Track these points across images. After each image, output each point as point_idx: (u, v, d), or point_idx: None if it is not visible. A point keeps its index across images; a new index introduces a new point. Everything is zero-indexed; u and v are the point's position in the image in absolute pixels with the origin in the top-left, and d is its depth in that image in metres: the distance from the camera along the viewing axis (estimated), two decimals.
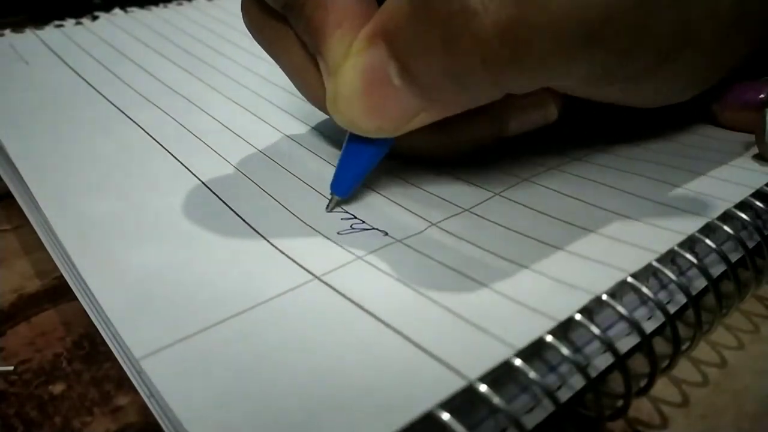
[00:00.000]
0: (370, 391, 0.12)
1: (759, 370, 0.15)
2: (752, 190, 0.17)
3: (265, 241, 0.16)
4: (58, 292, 0.18)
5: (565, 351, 0.12)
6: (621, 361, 0.13)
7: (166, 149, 0.21)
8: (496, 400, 0.11)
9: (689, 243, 0.15)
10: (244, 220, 0.17)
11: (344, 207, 0.18)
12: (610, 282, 0.14)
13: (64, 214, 0.17)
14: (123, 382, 0.15)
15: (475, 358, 0.12)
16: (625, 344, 0.14)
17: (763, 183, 0.18)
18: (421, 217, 0.17)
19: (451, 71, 0.15)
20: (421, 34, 0.14)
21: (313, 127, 0.23)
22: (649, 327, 0.15)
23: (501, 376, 0.12)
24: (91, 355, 0.16)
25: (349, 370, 0.12)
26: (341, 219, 0.17)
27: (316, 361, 0.12)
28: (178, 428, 0.11)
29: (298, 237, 0.16)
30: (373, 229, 0.17)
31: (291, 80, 0.20)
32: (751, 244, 0.16)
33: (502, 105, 0.18)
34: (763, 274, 0.16)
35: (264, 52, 0.20)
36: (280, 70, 0.20)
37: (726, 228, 0.16)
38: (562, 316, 0.13)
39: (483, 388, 0.11)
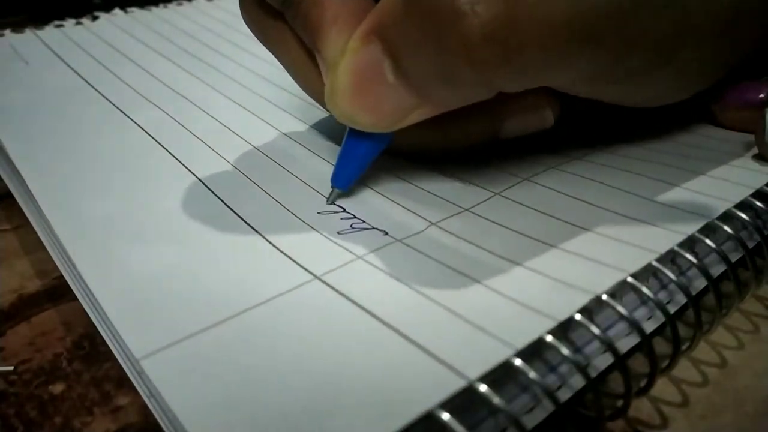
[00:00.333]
0: (370, 391, 0.12)
1: (759, 370, 0.15)
2: (752, 190, 0.17)
3: (265, 241, 0.16)
4: (58, 292, 0.18)
5: (565, 351, 0.12)
6: (621, 361, 0.13)
7: (166, 149, 0.21)
8: (496, 400, 0.11)
9: (689, 243, 0.15)
10: (243, 220, 0.17)
11: (344, 206, 0.18)
12: (610, 282, 0.14)
13: (64, 214, 0.17)
14: (123, 382, 0.15)
15: (475, 358, 0.12)
16: (625, 344, 0.14)
17: (763, 183, 0.18)
18: (421, 216, 0.17)
19: (441, 70, 0.15)
20: (413, 33, 0.15)
21: (312, 127, 0.23)
22: (649, 327, 0.15)
23: (501, 376, 0.12)
24: (91, 355, 0.16)
25: (349, 370, 0.12)
26: (341, 219, 0.17)
27: (316, 360, 0.12)
28: (178, 428, 0.11)
29: (298, 237, 0.16)
30: (373, 228, 0.17)
31: (291, 75, 0.20)
32: (751, 244, 0.16)
33: (498, 107, 0.18)
34: (763, 274, 0.16)
35: (264, 51, 0.20)
36: (280, 70, 0.20)
37: (726, 228, 0.16)
38: (562, 316, 0.13)
39: (483, 388, 0.11)
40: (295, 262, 0.15)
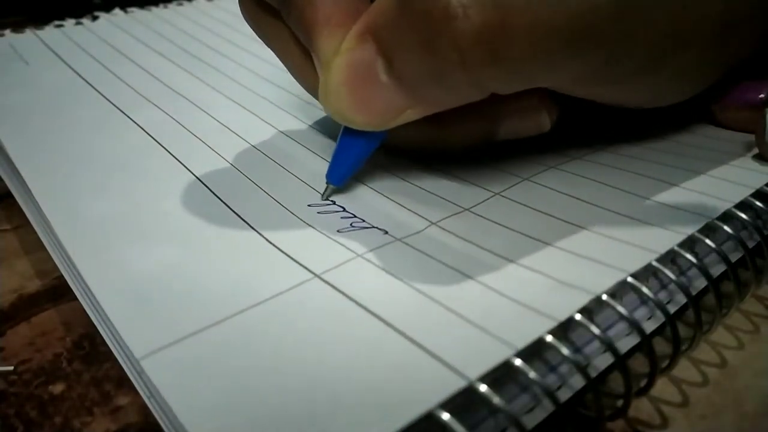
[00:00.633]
0: (370, 390, 0.12)
1: (759, 370, 0.15)
2: (752, 190, 0.17)
3: (265, 240, 0.16)
4: (58, 292, 0.18)
5: (565, 351, 0.12)
6: (621, 361, 0.13)
7: (166, 149, 0.21)
8: (496, 400, 0.11)
9: (689, 243, 0.15)
10: (243, 219, 0.17)
11: (344, 205, 0.18)
12: (610, 282, 0.14)
13: (64, 214, 0.17)
14: (123, 382, 0.15)
15: (475, 358, 0.12)
16: (625, 344, 0.14)
17: (763, 183, 0.18)
18: (421, 216, 0.17)
19: (432, 71, 0.15)
20: (406, 34, 0.15)
21: (312, 127, 0.23)
22: (649, 327, 0.15)
23: (501, 376, 0.12)
24: (91, 355, 0.16)
25: (349, 369, 0.12)
26: (341, 217, 0.17)
27: (316, 359, 0.12)
28: (178, 428, 0.11)
29: (298, 235, 0.16)
30: (373, 227, 0.17)
31: (289, 72, 0.20)
32: (751, 244, 0.16)
33: (494, 109, 0.18)
34: (763, 274, 0.16)
35: (264, 51, 0.20)
36: (281, 70, 0.20)
37: (726, 228, 0.16)
38: (562, 316, 0.13)
39: (483, 388, 0.11)
40: (295, 260, 0.15)
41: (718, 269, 0.16)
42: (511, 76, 0.15)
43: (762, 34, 0.19)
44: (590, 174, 0.19)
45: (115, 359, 0.14)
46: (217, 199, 0.18)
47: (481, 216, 0.17)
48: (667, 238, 0.15)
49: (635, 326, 0.13)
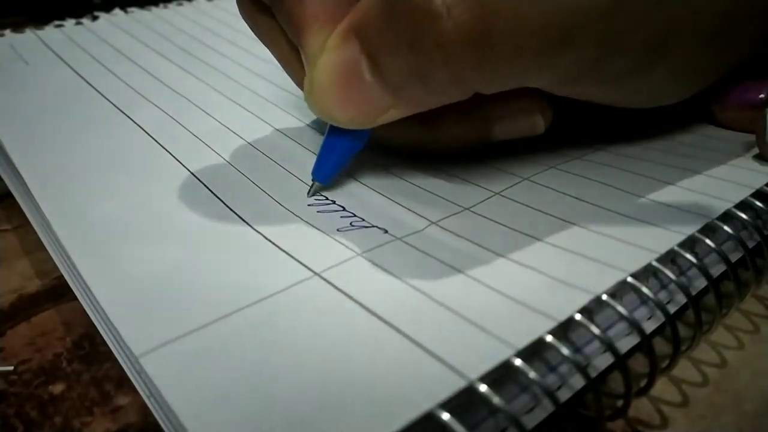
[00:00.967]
0: (370, 390, 0.12)
1: (759, 370, 0.15)
2: (752, 190, 0.17)
3: (265, 239, 0.16)
4: (58, 292, 0.18)
5: (565, 351, 0.12)
6: (621, 361, 0.13)
7: (165, 149, 0.21)
8: (496, 400, 0.11)
9: (689, 243, 0.15)
10: (242, 219, 0.17)
11: (344, 205, 0.18)
12: (610, 282, 0.14)
13: (64, 214, 0.17)
14: (123, 382, 0.15)
15: (475, 358, 0.12)
16: (625, 344, 0.14)
17: (763, 183, 0.18)
18: (421, 215, 0.17)
19: (416, 70, 0.15)
20: (390, 33, 0.15)
21: (311, 126, 0.23)
22: (649, 327, 0.15)
23: (501, 376, 0.12)
24: (91, 355, 0.16)
25: (349, 368, 0.12)
26: (341, 216, 0.17)
27: (315, 358, 0.12)
28: (178, 427, 0.11)
29: (297, 234, 0.16)
30: (373, 226, 0.17)
31: (282, 68, 0.21)
32: (751, 244, 0.16)
33: (487, 110, 0.18)
34: (763, 274, 0.16)
35: (264, 51, 0.21)
36: (280, 70, 0.21)
37: (726, 228, 0.16)
38: (562, 316, 0.13)
39: (483, 388, 0.11)
40: (295, 258, 0.15)
41: (718, 269, 0.16)
42: (496, 75, 0.15)
43: (761, 34, 0.19)
44: (590, 174, 0.19)
45: (115, 359, 0.14)
46: (217, 198, 0.18)
47: (482, 215, 0.17)
48: (667, 238, 0.15)
49: (635, 326, 0.13)
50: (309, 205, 0.18)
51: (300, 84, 0.20)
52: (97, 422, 0.14)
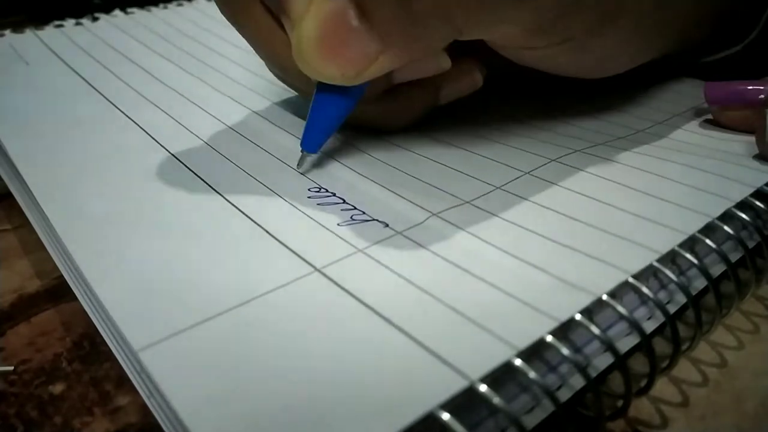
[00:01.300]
0: (370, 389, 0.11)
1: (759, 370, 0.15)
2: (752, 190, 0.17)
3: (266, 233, 0.16)
4: (58, 292, 0.18)
5: (565, 351, 0.12)
6: (621, 361, 0.13)
7: (165, 149, 0.21)
8: (496, 400, 0.11)
9: (689, 243, 0.15)
10: (244, 213, 0.17)
11: (345, 197, 0.18)
12: (611, 282, 0.14)
13: (64, 213, 0.17)
14: (123, 382, 0.15)
15: (475, 358, 0.12)
16: (625, 344, 0.14)
17: (763, 183, 0.18)
18: (421, 207, 0.17)
19: (404, 13, 0.15)
20: None
21: None
22: (649, 327, 0.15)
23: (501, 376, 0.12)
24: (91, 355, 0.16)
25: (349, 366, 0.12)
26: (341, 210, 0.17)
27: (315, 355, 0.12)
28: (177, 425, 0.11)
29: (298, 229, 0.16)
30: (374, 220, 0.17)
31: (256, 50, 0.21)
32: (751, 244, 0.16)
33: (436, 77, 0.20)
34: (763, 274, 0.16)
35: None
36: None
37: (726, 228, 0.16)
38: (563, 316, 0.13)
39: (483, 388, 0.11)
40: (296, 253, 0.15)
41: (718, 269, 0.16)
42: (481, 12, 0.16)
43: (694, 21, 0.22)
44: (592, 168, 0.19)
45: (115, 359, 0.14)
46: (218, 194, 0.18)
47: (482, 209, 0.17)
48: (667, 238, 0.15)
49: (635, 326, 0.13)
50: (309, 197, 0.18)
51: (278, 62, 0.20)
52: (97, 422, 0.14)
